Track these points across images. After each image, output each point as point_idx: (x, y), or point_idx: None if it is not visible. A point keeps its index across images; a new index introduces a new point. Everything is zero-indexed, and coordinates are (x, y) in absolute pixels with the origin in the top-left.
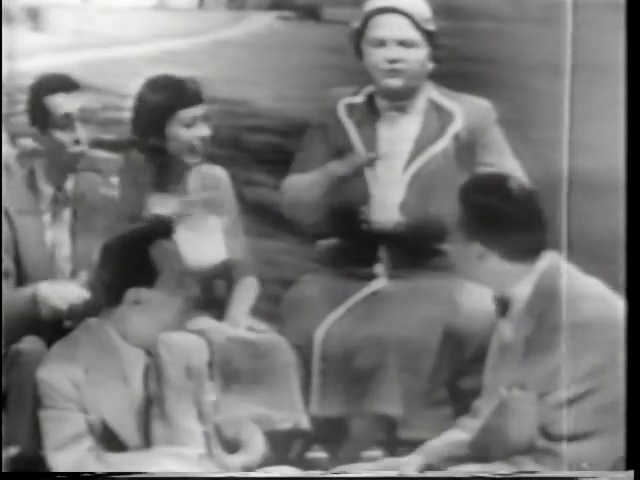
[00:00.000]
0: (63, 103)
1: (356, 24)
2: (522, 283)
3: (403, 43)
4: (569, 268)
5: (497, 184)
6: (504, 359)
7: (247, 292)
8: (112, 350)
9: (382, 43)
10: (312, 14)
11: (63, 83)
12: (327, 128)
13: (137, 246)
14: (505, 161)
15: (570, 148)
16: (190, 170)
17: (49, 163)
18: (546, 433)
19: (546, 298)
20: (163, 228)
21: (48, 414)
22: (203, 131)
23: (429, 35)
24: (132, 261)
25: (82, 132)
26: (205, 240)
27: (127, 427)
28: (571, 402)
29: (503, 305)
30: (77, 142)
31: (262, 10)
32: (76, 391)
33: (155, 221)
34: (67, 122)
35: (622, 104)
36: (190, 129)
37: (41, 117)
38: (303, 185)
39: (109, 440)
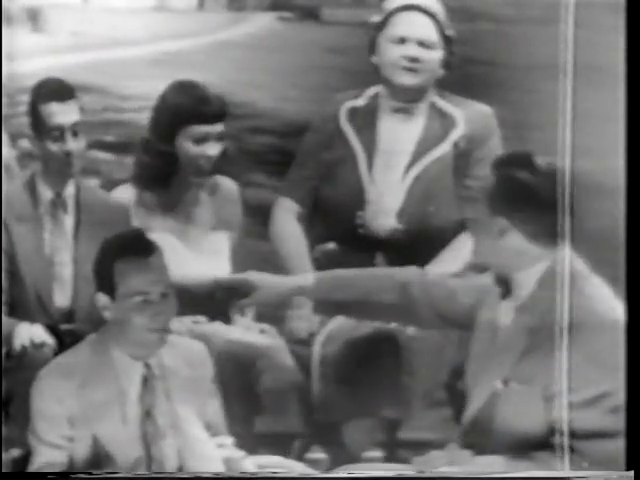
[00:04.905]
0: (57, 113)
1: (376, 19)
2: (534, 268)
3: (422, 43)
4: (581, 266)
5: (529, 161)
6: (500, 349)
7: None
8: (111, 366)
9: (402, 40)
10: (312, 15)
11: (59, 90)
12: (327, 133)
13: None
14: None
15: (570, 149)
16: (194, 189)
17: (46, 168)
18: (558, 430)
19: (551, 290)
20: (139, 243)
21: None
22: (212, 150)
23: (447, 40)
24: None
25: (73, 145)
26: (209, 257)
27: (122, 445)
28: (580, 405)
29: (506, 286)
30: (68, 155)
31: (262, 11)
32: (69, 426)
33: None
34: (59, 134)
35: (622, 105)
36: (199, 146)
37: (36, 123)
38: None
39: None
